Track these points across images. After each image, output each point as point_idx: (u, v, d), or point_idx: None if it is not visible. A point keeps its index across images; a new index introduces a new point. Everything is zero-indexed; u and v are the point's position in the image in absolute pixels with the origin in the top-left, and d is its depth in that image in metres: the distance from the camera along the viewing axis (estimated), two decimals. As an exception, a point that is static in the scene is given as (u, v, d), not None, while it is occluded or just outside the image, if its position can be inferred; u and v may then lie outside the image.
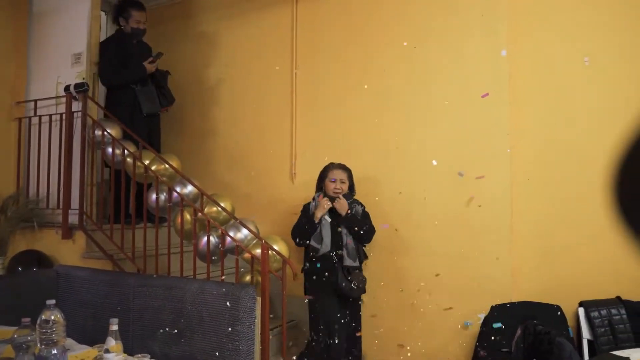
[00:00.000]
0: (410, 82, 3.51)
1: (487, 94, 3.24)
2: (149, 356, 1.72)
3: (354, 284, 3.00)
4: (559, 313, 3.02)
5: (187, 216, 3.04)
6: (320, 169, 3.79)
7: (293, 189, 3.93)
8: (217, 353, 2.36)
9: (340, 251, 3.03)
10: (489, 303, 3.09)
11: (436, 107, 3.41)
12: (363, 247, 3.18)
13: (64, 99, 3.63)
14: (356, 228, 3.06)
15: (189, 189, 3.11)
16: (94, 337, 2.48)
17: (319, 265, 3.04)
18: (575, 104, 3.10)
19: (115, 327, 1.75)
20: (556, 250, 3.10)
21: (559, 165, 3.12)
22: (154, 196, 3.12)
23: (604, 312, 2.86)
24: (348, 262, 3.02)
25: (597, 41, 3.05)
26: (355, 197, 3.26)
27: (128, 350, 2.22)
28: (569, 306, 3.01)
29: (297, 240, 3.12)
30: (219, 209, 3.01)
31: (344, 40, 3.79)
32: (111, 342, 1.72)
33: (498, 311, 3.06)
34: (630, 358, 1.99)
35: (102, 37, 4.19)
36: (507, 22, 3.23)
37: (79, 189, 3.45)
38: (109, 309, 2.66)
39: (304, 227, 3.08)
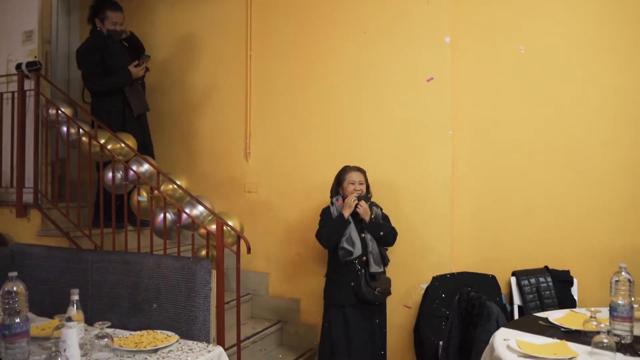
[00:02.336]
0: (360, 65, 3.67)
1: (432, 79, 3.44)
2: (109, 323, 1.83)
3: (377, 291, 3.00)
4: (494, 282, 3.30)
5: (144, 194, 3.12)
6: (274, 148, 3.94)
7: (247, 168, 4.06)
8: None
9: (364, 257, 3.03)
10: (430, 274, 3.34)
11: (383, 89, 3.59)
12: (385, 250, 3.18)
13: (15, 77, 3.59)
14: (381, 232, 3.07)
15: (145, 167, 3.18)
16: (51, 312, 2.54)
17: (343, 271, 3.06)
18: (512, 90, 3.33)
19: (76, 297, 1.86)
20: (492, 224, 3.37)
21: (497, 146, 3.36)
22: (110, 174, 3.18)
23: (532, 280, 3.14)
24: (374, 268, 3.01)
25: (531, 31, 3.29)
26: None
27: (87, 323, 2.31)
28: (503, 276, 3.29)
29: (329, 240, 3.07)
30: (175, 186, 3.11)
31: (297, 24, 3.90)
32: (72, 311, 1.83)
33: (439, 281, 3.30)
34: (549, 317, 2.23)
35: (53, 15, 4.15)
36: (451, 10, 3.42)
37: (34, 167, 3.46)
38: (66, 285, 2.72)
39: (336, 227, 3.03)
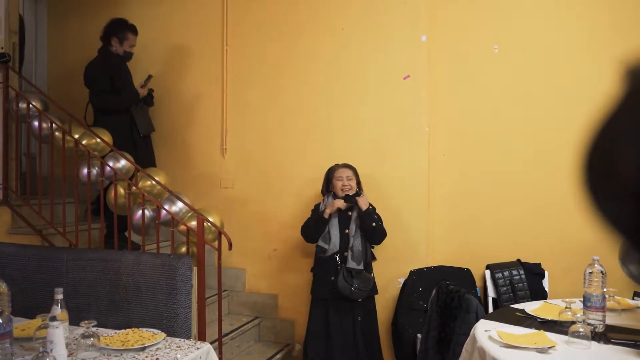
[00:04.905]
0: (337, 62, 3.69)
1: (409, 76, 3.49)
2: (95, 322, 1.80)
3: (354, 287, 3.02)
4: (469, 275, 3.38)
5: (121, 190, 3.06)
6: (250, 144, 3.93)
7: (224, 164, 4.03)
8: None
9: (345, 253, 3.08)
10: (408, 268, 3.40)
11: (360, 86, 3.63)
12: (371, 248, 3.21)
13: (-19, 70, 3.46)
14: (373, 224, 3.08)
15: (122, 163, 3.12)
16: (25, 312, 2.48)
17: (324, 266, 3.13)
18: (487, 88, 3.42)
19: (60, 296, 1.82)
20: (467, 220, 3.45)
21: (471, 143, 3.44)
22: (85, 170, 3.11)
23: (506, 273, 3.24)
24: (351, 264, 3.03)
25: (505, 31, 3.38)
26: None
27: (65, 322, 2.27)
28: (478, 269, 3.39)
29: (306, 237, 3.21)
30: (153, 182, 3.06)
31: (274, 20, 3.88)
32: (57, 311, 1.79)
33: (416, 275, 3.37)
34: (525, 309, 2.32)
35: (20, 7, 4.01)
36: (427, 10, 3.48)
37: (3, 163, 3.35)
38: (40, 284, 2.66)
39: (313, 224, 3.14)
